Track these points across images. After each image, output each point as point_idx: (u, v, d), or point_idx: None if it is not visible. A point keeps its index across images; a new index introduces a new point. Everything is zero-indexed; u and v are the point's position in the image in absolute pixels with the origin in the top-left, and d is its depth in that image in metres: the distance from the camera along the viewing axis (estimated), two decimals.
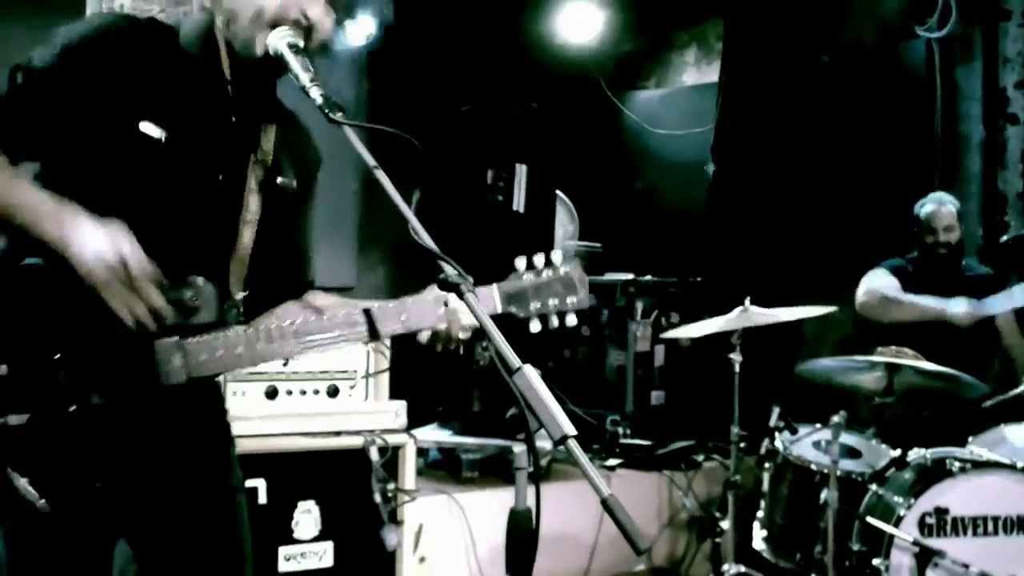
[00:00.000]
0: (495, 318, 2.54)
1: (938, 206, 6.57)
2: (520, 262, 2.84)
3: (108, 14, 2.70)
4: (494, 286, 2.81)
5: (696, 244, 8.74)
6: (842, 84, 8.24)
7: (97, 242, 2.40)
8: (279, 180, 2.86)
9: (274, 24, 2.63)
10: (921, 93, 7.94)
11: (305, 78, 2.59)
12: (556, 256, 2.85)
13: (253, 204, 2.80)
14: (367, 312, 2.70)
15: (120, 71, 2.57)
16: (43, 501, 2.46)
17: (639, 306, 7.87)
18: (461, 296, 2.46)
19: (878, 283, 6.57)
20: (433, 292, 2.72)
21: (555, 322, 2.83)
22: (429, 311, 2.73)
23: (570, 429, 2.25)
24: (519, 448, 2.30)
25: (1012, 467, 5.12)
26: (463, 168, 7.19)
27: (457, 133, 7.38)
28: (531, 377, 2.32)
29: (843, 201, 7.96)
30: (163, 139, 2.59)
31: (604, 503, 2.24)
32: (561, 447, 2.21)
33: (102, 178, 2.59)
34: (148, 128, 2.58)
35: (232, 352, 2.61)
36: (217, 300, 2.65)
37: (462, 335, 2.77)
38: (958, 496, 5.06)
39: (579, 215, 8.81)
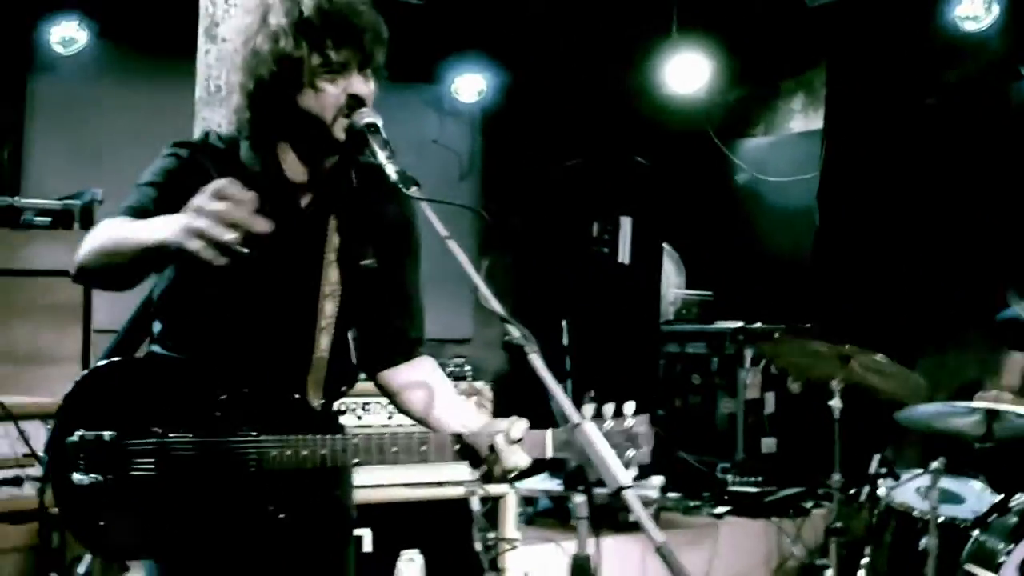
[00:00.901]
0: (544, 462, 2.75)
1: None
2: (587, 409, 2.76)
3: (170, 150, 2.88)
4: (548, 431, 2.80)
5: (804, 291, 8.76)
6: (949, 126, 8.22)
7: (175, 223, 2.53)
8: (360, 263, 3.00)
9: (339, 115, 2.82)
10: None
11: (382, 156, 2.77)
12: (627, 408, 2.83)
13: (329, 308, 2.96)
14: (424, 440, 2.81)
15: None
16: None
17: (748, 353, 7.92)
18: (525, 357, 2.58)
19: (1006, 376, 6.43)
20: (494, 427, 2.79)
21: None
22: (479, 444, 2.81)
23: (625, 480, 2.36)
24: (579, 498, 2.39)
25: None
26: (569, 221, 7.36)
27: (564, 187, 7.55)
28: (591, 433, 2.44)
29: (953, 245, 7.93)
30: (249, 253, 2.62)
31: (658, 550, 2.34)
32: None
33: (199, 287, 2.84)
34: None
35: (297, 454, 2.77)
36: None
37: (510, 476, 2.81)
38: None
39: (689, 264, 8.92)
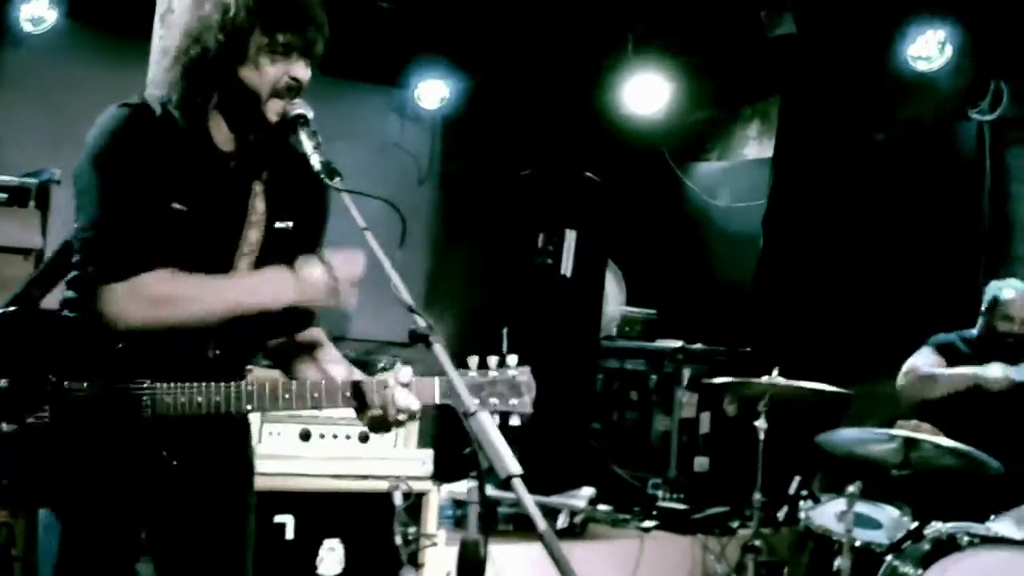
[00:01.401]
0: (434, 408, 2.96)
1: (1018, 295, 6.38)
2: (472, 360, 3.03)
3: (109, 115, 2.99)
4: (435, 379, 3.01)
5: (745, 314, 8.89)
6: (894, 163, 8.38)
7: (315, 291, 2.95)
8: (276, 224, 3.13)
9: (274, 94, 2.93)
10: (971, 174, 8.05)
11: (308, 146, 2.90)
12: (511, 359, 3.04)
13: (243, 264, 3.10)
14: (316, 387, 3.00)
15: (146, 160, 2.93)
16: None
17: (686, 373, 8.04)
18: (429, 346, 2.69)
19: (919, 361, 6.54)
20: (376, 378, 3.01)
21: (496, 420, 2.98)
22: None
23: (515, 469, 2.47)
24: (471, 484, 2.49)
25: (1022, 544, 5.19)
26: (517, 230, 7.44)
27: (514, 196, 7.64)
28: (484, 421, 2.54)
29: (890, 278, 8.09)
30: (186, 210, 2.95)
31: (541, 537, 2.45)
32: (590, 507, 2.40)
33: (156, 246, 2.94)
34: (177, 205, 2.94)
35: (192, 399, 2.90)
36: None
37: (400, 416, 2.99)
38: (965, 570, 5.12)
39: (635, 282, 9.04)
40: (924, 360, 6.53)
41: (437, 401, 3.01)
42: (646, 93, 9.16)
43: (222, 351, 3.06)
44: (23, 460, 2.82)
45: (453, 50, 9.19)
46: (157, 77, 3.07)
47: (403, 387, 2.94)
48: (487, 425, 2.54)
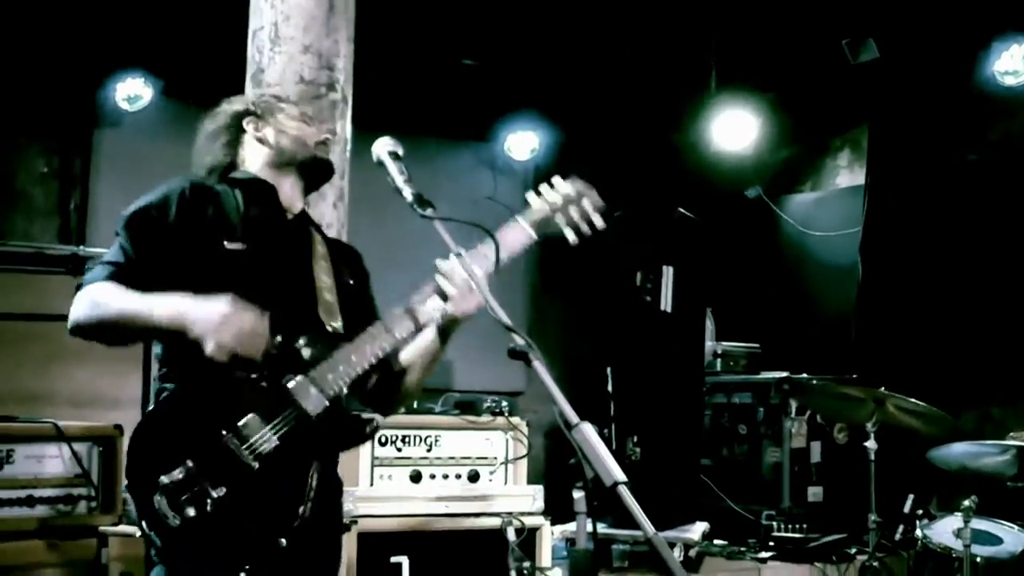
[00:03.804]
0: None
1: None
2: (530, 195, 3.34)
3: (174, 182, 3.22)
4: (518, 217, 3.29)
5: (849, 342, 8.85)
6: (989, 181, 8.33)
7: (214, 331, 2.95)
8: (342, 277, 3.41)
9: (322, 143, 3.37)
10: None
11: (399, 179, 3.02)
12: (556, 180, 3.38)
13: (328, 297, 3.31)
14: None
15: (197, 216, 3.19)
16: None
17: (793, 403, 8.01)
18: (529, 364, 2.76)
19: None
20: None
21: (585, 228, 3.34)
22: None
23: (620, 476, 2.52)
24: (579, 494, 2.55)
25: None
26: (614, 271, 7.50)
27: (609, 237, 7.70)
28: (587, 432, 2.59)
29: (993, 299, 8.01)
30: (242, 249, 3.17)
31: (648, 540, 2.49)
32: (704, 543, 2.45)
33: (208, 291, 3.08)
34: (231, 245, 3.16)
35: (348, 360, 3.07)
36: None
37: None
38: None
39: (736, 317, 9.05)
40: None
41: (535, 237, 3.28)
42: (733, 130, 9.21)
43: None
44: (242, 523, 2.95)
45: (540, 101, 9.30)
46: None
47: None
48: (591, 436, 2.59)
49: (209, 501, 2.89)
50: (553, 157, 9.71)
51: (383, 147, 3.11)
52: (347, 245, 3.58)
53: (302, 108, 3.56)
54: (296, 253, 3.33)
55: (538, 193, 3.31)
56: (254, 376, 3.01)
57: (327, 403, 3.04)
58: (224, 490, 2.91)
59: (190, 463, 2.91)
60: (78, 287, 3.10)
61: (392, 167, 3.07)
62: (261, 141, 3.37)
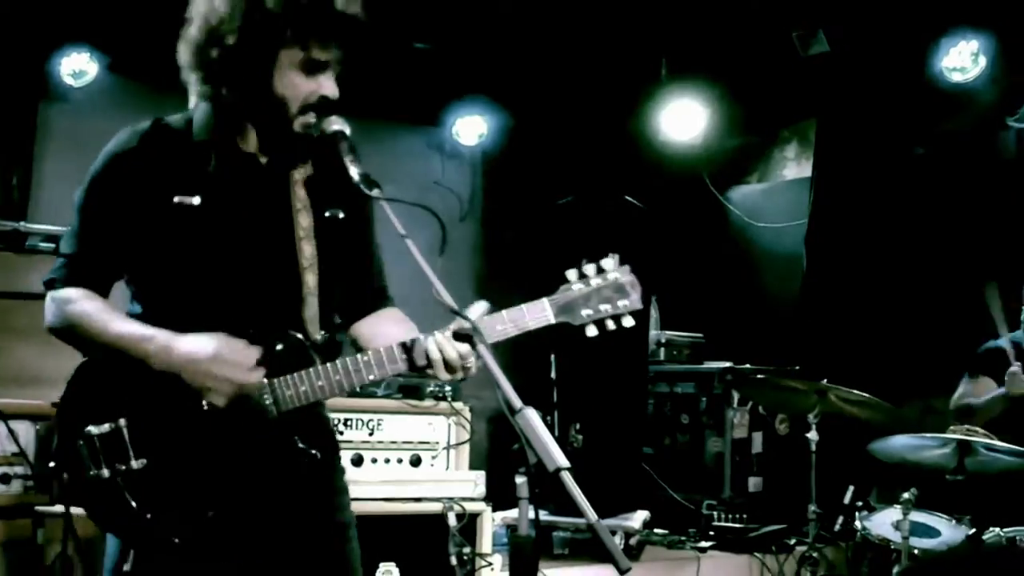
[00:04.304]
0: (549, 328, 2.97)
1: None
2: (572, 273, 3.04)
3: (119, 138, 3.06)
4: (544, 299, 3.03)
5: (793, 333, 8.90)
6: (935, 175, 8.38)
7: (191, 366, 2.87)
8: (326, 213, 3.14)
9: (304, 109, 2.99)
10: (1012, 181, 8.03)
11: (346, 159, 2.94)
12: (607, 263, 3.05)
13: (308, 249, 3.10)
14: (404, 347, 2.98)
15: (143, 170, 3.00)
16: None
17: (736, 394, 8.04)
18: (475, 347, 2.73)
19: (955, 395, 6.62)
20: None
21: (611, 325, 3.03)
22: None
23: (563, 462, 2.51)
24: (521, 479, 2.52)
25: None
26: (560, 260, 7.47)
27: (556, 226, 7.68)
28: (531, 417, 2.57)
29: (936, 290, 8.08)
30: (196, 203, 2.98)
31: (590, 527, 2.48)
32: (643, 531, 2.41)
33: (168, 259, 2.99)
34: (182, 199, 2.98)
35: (314, 386, 2.95)
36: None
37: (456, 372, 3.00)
38: None
39: (681, 306, 9.06)
40: (957, 393, 6.56)
41: (552, 321, 3.02)
42: (682, 119, 9.23)
43: (327, 332, 3.12)
44: (164, 494, 2.89)
45: (490, 87, 9.26)
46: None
47: (453, 339, 2.92)
48: (534, 421, 2.57)
49: (124, 468, 2.86)
50: (501, 143, 9.68)
51: (330, 126, 3.03)
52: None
53: None
54: (272, 199, 3.12)
55: (582, 275, 3.04)
56: None
57: (275, 415, 2.95)
58: (144, 462, 2.87)
59: (123, 422, 2.87)
60: (45, 283, 3.03)
61: (341, 148, 2.99)
62: None
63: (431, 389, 5.51)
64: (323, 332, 3.10)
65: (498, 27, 8.36)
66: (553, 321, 3.02)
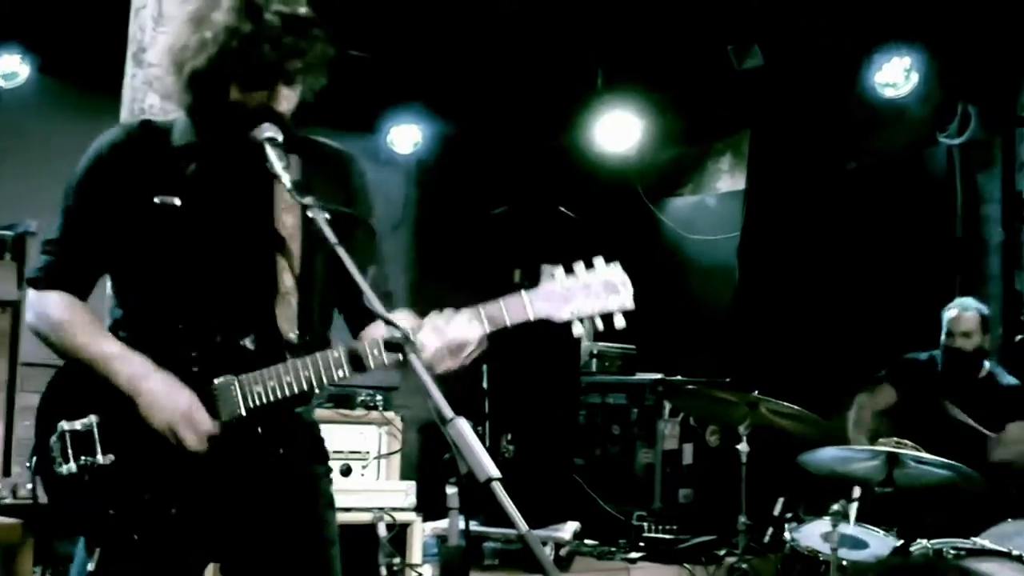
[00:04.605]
0: (531, 324, 2.91)
1: (960, 311, 6.70)
2: (556, 270, 2.98)
3: (107, 135, 3.02)
4: (522, 293, 2.96)
5: (724, 345, 8.94)
6: (867, 190, 8.47)
7: (154, 410, 2.85)
8: (309, 212, 3.06)
9: (253, 119, 2.92)
10: (943, 197, 8.13)
11: (278, 166, 2.88)
12: (597, 261, 3.01)
13: (291, 248, 3.05)
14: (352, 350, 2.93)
15: (126, 170, 2.98)
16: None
17: (667, 405, 8.06)
18: (405, 356, 2.69)
19: (851, 415, 6.86)
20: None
21: (600, 324, 2.99)
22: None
23: (494, 472, 2.47)
24: (452, 490, 2.49)
25: (1008, 555, 5.19)
26: (493, 269, 7.46)
27: (489, 235, 7.67)
28: (462, 427, 2.53)
29: (867, 303, 8.15)
30: (177, 204, 2.95)
31: (520, 538, 2.45)
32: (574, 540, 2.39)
33: (148, 260, 2.97)
34: (163, 199, 2.95)
35: (281, 381, 2.90)
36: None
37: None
38: None
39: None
40: (852, 416, 6.78)
41: (532, 317, 2.96)
42: (617, 131, 9.25)
43: (303, 334, 3.05)
44: (131, 493, 2.87)
45: (425, 95, 9.24)
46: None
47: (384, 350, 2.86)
48: (465, 431, 2.54)
49: (91, 462, 2.85)
50: (436, 151, 9.67)
51: (262, 133, 2.97)
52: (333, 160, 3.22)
53: None
54: (251, 202, 3.06)
55: (568, 271, 2.97)
56: (195, 368, 2.92)
57: (242, 413, 2.91)
58: (112, 458, 2.86)
59: (94, 418, 2.87)
60: (29, 281, 3.03)
61: (271, 153, 2.94)
62: None
63: (362, 399, 5.47)
64: (299, 332, 3.04)
65: (434, 36, 8.33)
66: (532, 317, 2.96)
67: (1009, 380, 6.81)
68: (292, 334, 3.02)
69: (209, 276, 2.98)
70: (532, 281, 7.10)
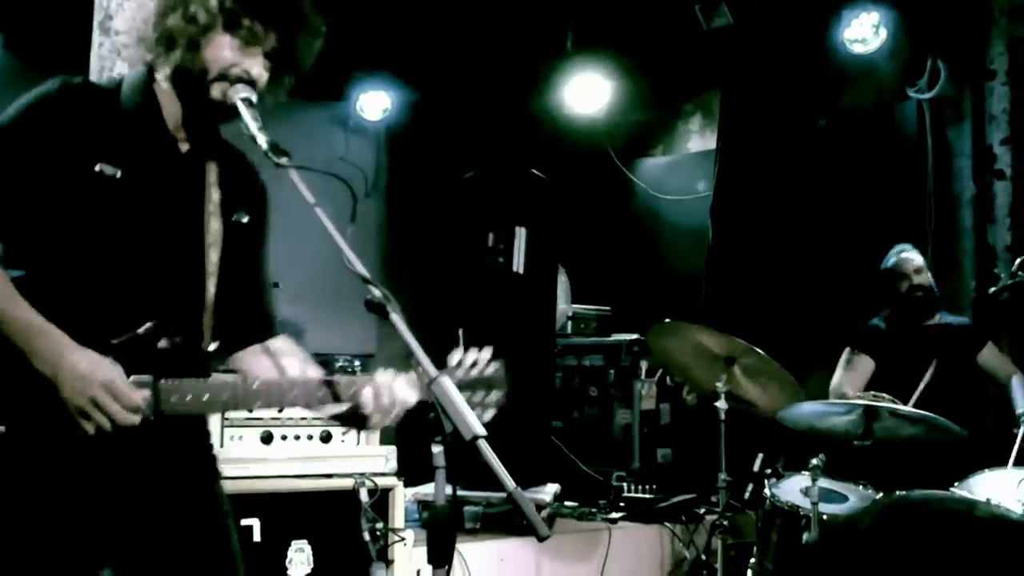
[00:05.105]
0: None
1: (901, 253, 6.80)
2: (453, 358, 3.14)
3: (43, 86, 2.90)
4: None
5: (698, 306, 8.95)
6: (838, 147, 8.49)
7: (77, 383, 2.69)
8: (232, 217, 3.08)
9: (221, 76, 2.90)
10: (914, 153, 8.16)
11: (254, 127, 2.86)
12: (482, 356, 3.22)
13: (214, 255, 3.03)
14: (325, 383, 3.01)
15: (66, 129, 2.83)
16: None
17: (644, 365, 8.08)
18: (387, 316, 2.68)
19: (835, 380, 6.90)
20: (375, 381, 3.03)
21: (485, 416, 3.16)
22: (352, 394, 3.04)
23: (480, 430, 2.50)
24: (437, 448, 2.47)
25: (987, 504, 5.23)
26: (466, 232, 7.44)
27: (461, 199, 7.64)
28: (447, 386, 2.54)
29: (840, 260, 8.17)
30: (118, 176, 2.85)
31: (509, 495, 2.46)
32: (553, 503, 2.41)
33: (75, 228, 2.84)
34: (103, 168, 2.84)
35: (199, 399, 2.86)
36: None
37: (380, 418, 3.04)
38: None
39: (587, 279, 9.08)
40: (840, 378, 6.85)
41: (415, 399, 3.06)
42: (587, 93, 9.23)
43: (221, 344, 3.06)
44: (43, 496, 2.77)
45: (393, 61, 9.19)
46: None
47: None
48: (450, 390, 2.55)
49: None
50: (406, 117, 9.63)
51: (236, 94, 2.94)
52: (252, 175, 3.23)
53: None
54: (188, 203, 3.04)
55: (456, 365, 3.15)
56: (110, 357, 2.78)
57: (150, 417, 2.81)
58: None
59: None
60: None
61: (246, 114, 2.91)
62: None
63: (340, 365, 5.47)
64: (214, 340, 3.05)
65: (402, 1, 8.28)
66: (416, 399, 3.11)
67: (961, 320, 6.92)
68: (210, 343, 3.03)
69: (139, 263, 2.89)
70: (507, 246, 7.15)
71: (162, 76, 2.96)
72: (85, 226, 2.83)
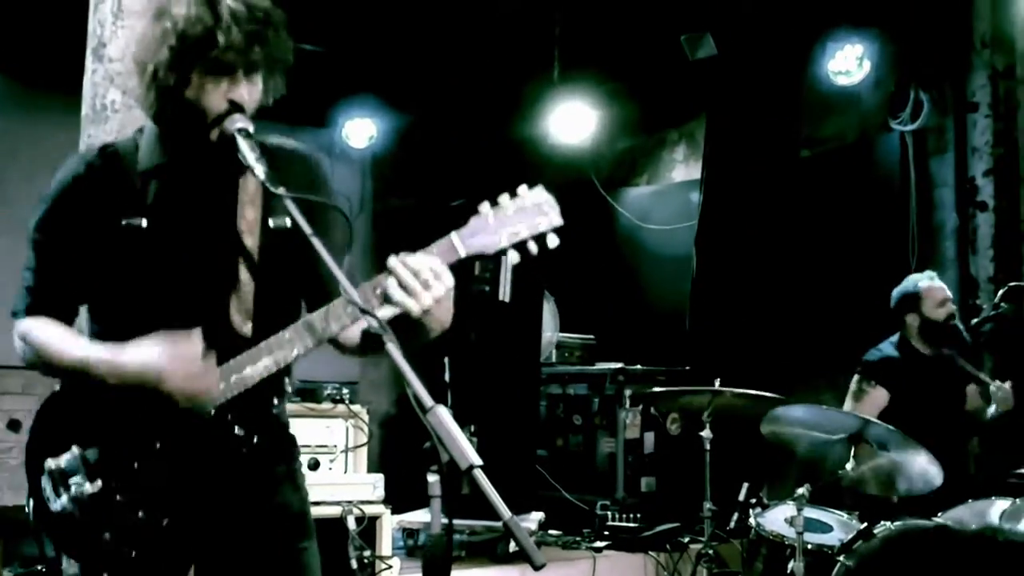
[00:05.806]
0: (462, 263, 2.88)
1: (935, 280, 6.56)
2: (483, 205, 2.90)
3: (67, 167, 2.98)
4: (452, 234, 2.91)
5: (683, 334, 8.98)
6: (821, 177, 8.54)
7: (149, 358, 2.80)
8: (270, 223, 3.05)
9: (215, 120, 2.91)
10: (897, 184, 8.21)
11: (251, 158, 2.86)
12: (521, 188, 2.90)
13: (249, 242, 3.02)
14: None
15: (93, 199, 2.96)
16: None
17: (628, 394, 8.09)
18: (383, 347, 2.68)
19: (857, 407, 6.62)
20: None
21: (533, 247, 2.89)
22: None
23: (476, 460, 2.48)
24: (433, 478, 2.47)
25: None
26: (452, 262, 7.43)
27: (447, 227, 7.64)
28: (442, 415, 2.54)
29: (824, 289, 8.21)
30: (145, 225, 2.94)
31: (504, 525, 2.46)
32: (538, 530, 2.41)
33: (117, 280, 2.95)
34: (128, 222, 2.93)
35: (242, 372, 2.88)
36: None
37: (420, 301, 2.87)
38: None
39: (572, 308, 9.10)
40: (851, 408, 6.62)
41: (463, 255, 2.92)
42: (572, 121, 9.25)
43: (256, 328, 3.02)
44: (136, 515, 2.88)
45: (379, 89, 9.22)
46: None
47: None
48: (446, 419, 2.54)
49: (80, 494, 2.84)
50: (391, 145, 9.65)
51: (234, 124, 2.94)
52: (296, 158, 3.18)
53: None
54: (215, 210, 3.05)
55: (494, 204, 2.88)
56: None
57: (211, 411, 2.89)
58: (100, 485, 2.85)
59: (76, 450, 2.86)
60: (12, 314, 3.02)
61: (243, 145, 2.91)
62: None
63: (328, 392, 5.47)
64: (254, 324, 3.00)
65: (387, 29, 8.31)
66: (464, 255, 2.92)
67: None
68: (246, 327, 3.00)
69: (173, 287, 2.95)
70: (493, 275, 7.16)
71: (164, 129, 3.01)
72: (125, 272, 2.94)
